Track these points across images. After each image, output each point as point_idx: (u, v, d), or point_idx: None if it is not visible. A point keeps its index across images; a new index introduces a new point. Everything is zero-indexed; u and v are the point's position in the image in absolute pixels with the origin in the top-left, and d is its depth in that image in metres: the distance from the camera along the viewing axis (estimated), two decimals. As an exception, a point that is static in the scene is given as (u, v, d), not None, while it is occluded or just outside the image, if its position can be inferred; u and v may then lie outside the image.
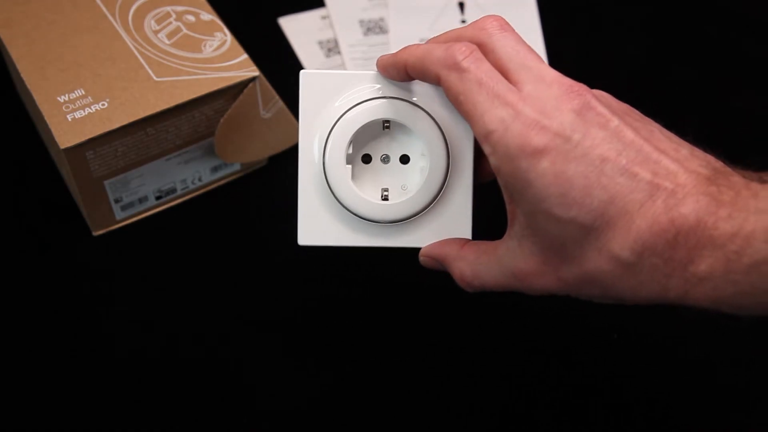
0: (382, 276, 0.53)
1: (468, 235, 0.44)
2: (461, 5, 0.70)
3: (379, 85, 0.43)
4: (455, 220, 0.44)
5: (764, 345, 0.50)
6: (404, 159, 0.45)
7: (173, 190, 0.57)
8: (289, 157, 0.59)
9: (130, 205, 0.56)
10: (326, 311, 0.52)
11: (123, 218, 0.56)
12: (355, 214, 0.43)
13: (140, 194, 0.56)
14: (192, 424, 0.48)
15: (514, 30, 0.39)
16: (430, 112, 0.42)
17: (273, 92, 0.55)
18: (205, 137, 0.55)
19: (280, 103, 0.56)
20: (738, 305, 0.33)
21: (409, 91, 0.43)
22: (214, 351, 0.50)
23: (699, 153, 0.37)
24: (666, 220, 0.33)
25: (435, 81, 0.39)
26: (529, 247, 0.38)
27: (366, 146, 0.45)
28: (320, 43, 0.68)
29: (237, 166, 0.59)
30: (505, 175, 0.36)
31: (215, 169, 0.58)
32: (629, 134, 0.36)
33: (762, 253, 0.31)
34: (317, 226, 0.44)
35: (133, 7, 0.57)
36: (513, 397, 0.48)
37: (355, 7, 0.70)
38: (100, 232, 0.56)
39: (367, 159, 0.45)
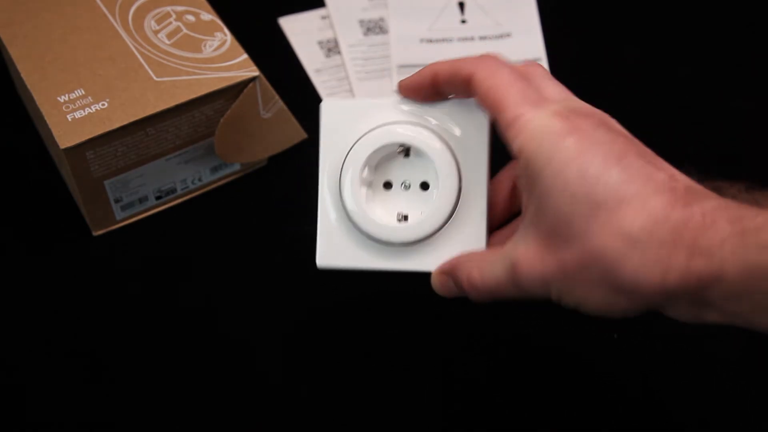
0: (384, 279, 0.53)
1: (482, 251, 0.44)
2: (461, 5, 0.70)
3: (396, 112, 0.44)
4: (470, 242, 0.44)
5: (764, 345, 0.50)
6: (424, 185, 0.45)
7: (173, 190, 0.57)
8: (290, 157, 0.59)
9: (130, 205, 0.56)
10: (326, 311, 0.52)
11: (123, 218, 0.56)
12: (368, 235, 0.44)
13: (140, 194, 0.56)
14: (191, 423, 0.48)
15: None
16: (442, 135, 0.43)
17: (273, 92, 0.55)
18: (205, 137, 0.55)
19: (280, 103, 0.56)
20: (736, 290, 0.32)
21: (424, 118, 0.44)
22: (214, 351, 0.50)
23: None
24: (683, 203, 0.34)
25: (465, 82, 0.41)
26: (534, 233, 0.38)
27: (387, 173, 0.45)
28: (320, 43, 0.68)
29: (237, 166, 0.59)
30: (527, 156, 0.37)
31: (215, 169, 0.58)
32: (649, 150, 0.38)
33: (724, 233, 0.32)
34: (335, 248, 0.45)
35: (133, 7, 0.57)
36: (513, 397, 0.48)
37: (355, 7, 0.70)
38: (100, 232, 0.56)
39: (388, 186, 0.46)
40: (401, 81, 0.44)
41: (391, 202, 0.45)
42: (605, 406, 0.48)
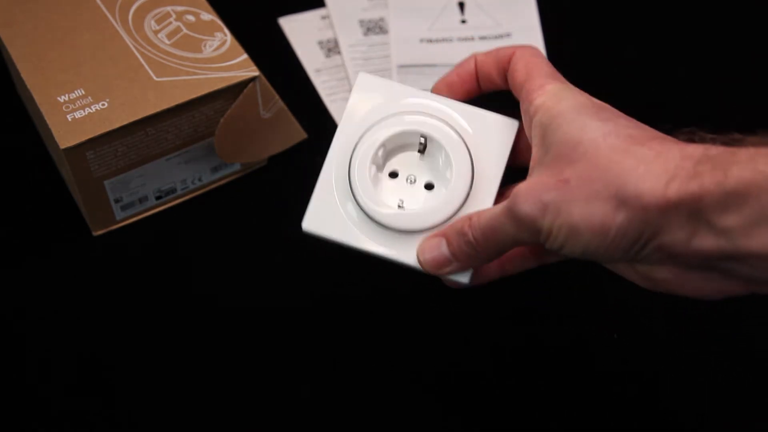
0: (383, 279, 0.53)
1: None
2: (461, 5, 0.70)
3: (428, 103, 0.44)
4: None
5: (764, 345, 0.51)
6: (429, 186, 0.45)
7: (173, 190, 0.57)
8: (290, 157, 0.59)
9: (130, 205, 0.56)
10: (326, 311, 0.52)
11: (123, 218, 0.56)
12: (366, 212, 0.43)
13: (140, 194, 0.56)
14: (192, 423, 0.48)
15: None
16: (467, 141, 0.44)
17: (273, 92, 0.55)
18: (205, 137, 0.55)
19: (280, 103, 0.56)
20: (731, 198, 0.33)
21: (455, 118, 0.44)
22: (214, 351, 0.50)
23: None
24: (703, 147, 0.35)
25: (507, 59, 0.44)
26: (539, 169, 0.39)
27: (396, 163, 0.45)
28: (320, 43, 0.68)
29: (237, 166, 0.59)
30: (547, 106, 0.40)
31: (215, 169, 0.58)
32: None
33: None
34: (326, 216, 0.44)
35: (133, 7, 0.57)
36: (513, 397, 0.48)
37: (355, 7, 0.70)
38: (100, 232, 0.56)
39: (393, 175, 0.45)
40: (439, 81, 0.46)
41: (392, 191, 0.45)
42: (605, 406, 0.48)
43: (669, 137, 0.37)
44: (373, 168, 0.44)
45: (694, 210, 0.34)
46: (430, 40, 0.68)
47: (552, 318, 0.51)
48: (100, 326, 0.52)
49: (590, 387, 0.49)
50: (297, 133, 0.59)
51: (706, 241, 0.34)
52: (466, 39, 0.68)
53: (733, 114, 0.63)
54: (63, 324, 0.52)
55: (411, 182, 0.45)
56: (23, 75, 0.53)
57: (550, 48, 0.67)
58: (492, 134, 0.44)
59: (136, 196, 0.55)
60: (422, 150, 0.45)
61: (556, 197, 0.37)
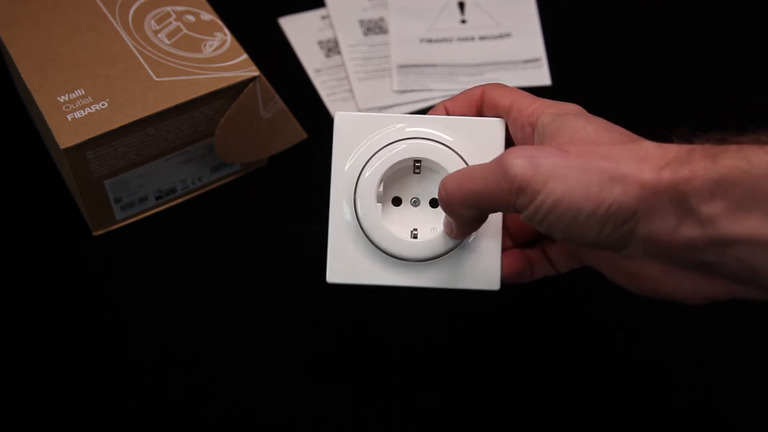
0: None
1: (497, 271, 0.43)
2: (461, 5, 0.70)
3: (411, 127, 0.44)
4: (485, 259, 0.43)
5: (763, 345, 0.51)
6: (434, 203, 0.45)
7: (173, 190, 0.57)
8: (290, 157, 0.59)
9: (130, 205, 0.56)
10: (327, 310, 0.52)
11: (123, 218, 0.56)
12: (384, 251, 0.43)
13: (140, 194, 0.56)
14: (190, 423, 0.48)
15: None
16: (460, 153, 0.43)
17: (273, 92, 0.55)
18: (205, 137, 0.55)
19: (280, 103, 0.56)
20: (715, 186, 0.33)
21: (437, 135, 0.44)
22: (214, 351, 0.50)
23: None
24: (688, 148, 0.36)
25: (479, 100, 0.44)
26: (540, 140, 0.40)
27: (396, 189, 0.45)
28: (320, 43, 0.68)
29: (237, 166, 0.59)
30: (550, 114, 0.40)
31: (215, 169, 0.58)
32: None
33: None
34: (346, 264, 0.44)
35: (133, 7, 0.57)
36: (512, 397, 0.48)
37: (355, 7, 0.70)
38: (100, 232, 0.56)
39: (397, 202, 0.45)
40: (441, 106, 0.45)
41: (401, 218, 0.45)
42: (605, 406, 0.48)
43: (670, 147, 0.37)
44: (379, 206, 0.43)
45: (682, 195, 0.34)
46: (430, 40, 0.68)
47: (552, 318, 0.51)
48: (100, 326, 0.52)
49: (590, 387, 0.49)
50: (297, 133, 0.59)
51: (692, 229, 0.34)
52: (466, 39, 0.68)
53: (734, 115, 0.63)
54: (63, 324, 0.52)
55: (416, 204, 0.45)
56: (23, 75, 0.53)
57: (550, 48, 0.67)
58: (481, 137, 0.44)
59: (136, 196, 0.55)
60: (418, 171, 0.45)
61: (552, 161, 0.36)
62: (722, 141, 0.36)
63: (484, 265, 0.43)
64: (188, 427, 0.48)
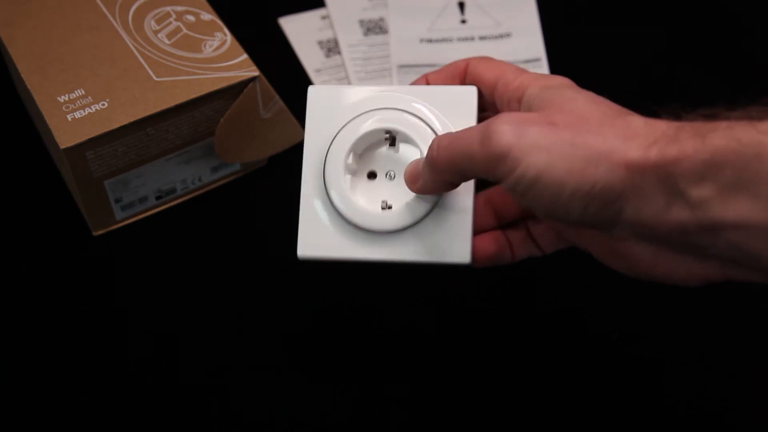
0: (384, 279, 0.53)
1: (468, 241, 0.42)
2: (461, 5, 0.70)
3: (382, 99, 0.43)
4: (457, 228, 0.42)
5: (764, 345, 0.51)
6: None
7: (173, 190, 0.57)
8: (289, 157, 0.59)
9: (130, 205, 0.56)
10: (327, 310, 0.52)
11: (123, 218, 0.56)
12: (351, 223, 0.42)
13: (140, 194, 0.56)
14: (190, 422, 0.48)
15: None
16: (431, 123, 0.42)
17: (273, 92, 0.55)
18: (205, 137, 0.55)
19: (280, 103, 0.56)
20: (704, 167, 0.32)
21: (411, 105, 0.43)
22: (214, 351, 0.50)
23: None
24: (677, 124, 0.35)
25: (462, 73, 0.44)
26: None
27: (371, 163, 0.44)
28: (320, 43, 0.68)
29: (237, 166, 0.59)
30: (539, 85, 0.39)
31: (215, 169, 0.58)
32: None
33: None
34: (317, 238, 0.43)
35: (133, 7, 0.57)
36: (512, 397, 0.48)
37: (355, 7, 0.70)
38: (100, 232, 0.56)
39: (372, 176, 0.44)
40: (430, 75, 0.44)
41: (375, 192, 0.44)
42: (604, 407, 0.48)
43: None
44: (348, 177, 0.43)
45: (670, 176, 0.33)
46: (430, 40, 0.68)
47: (551, 319, 0.51)
48: (99, 326, 0.52)
49: (589, 387, 0.49)
50: (297, 133, 0.59)
51: (682, 212, 0.33)
52: (466, 39, 0.68)
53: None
54: (63, 324, 0.52)
55: (391, 178, 0.44)
56: (23, 75, 0.53)
57: (550, 48, 0.67)
58: (454, 106, 0.43)
59: (136, 196, 0.55)
60: (392, 143, 0.44)
61: (538, 131, 0.35)
62: (712, 117, 0.35)
63: (454, 239, 0.42)
64: (189, 426, 0.48)
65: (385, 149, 0.44)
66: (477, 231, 0.42)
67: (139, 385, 0.49)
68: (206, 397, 0.49)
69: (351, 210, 0.42)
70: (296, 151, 0.59)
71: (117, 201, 0.55)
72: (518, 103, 0.40)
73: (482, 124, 0.36)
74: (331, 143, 0.43)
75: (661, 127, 0.34)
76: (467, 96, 0.43)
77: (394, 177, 0.44)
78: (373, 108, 0.43)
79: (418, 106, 0.43)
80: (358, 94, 0.44)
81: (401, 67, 0.66)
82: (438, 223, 0.42)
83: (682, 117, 0.35)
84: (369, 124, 0.43)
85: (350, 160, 0.43)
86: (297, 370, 0.50)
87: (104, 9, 0.57)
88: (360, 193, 0.43)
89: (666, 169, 0.33)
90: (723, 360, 0.50)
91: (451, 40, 0.68)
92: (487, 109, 0.43)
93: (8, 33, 0.55)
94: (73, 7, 0.57)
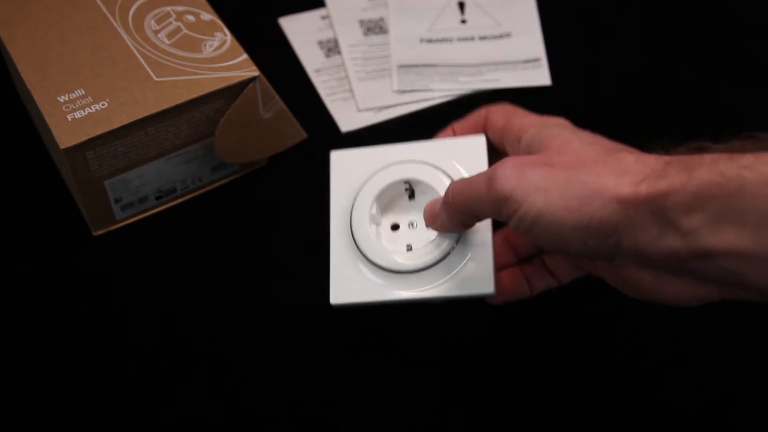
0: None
1: (491, 272, 0.44)
2: (461, 5, 0.70)
3: (401, 153, 0.47)
4: (478, 265, 0.44)
5: (763, 345, 0.51)
6: None
7: (173, 190, 0.57)
8: (290, 157, 0.59)
9: (130, 205, 0.56)
10: (326, 311, 0.52)
11: (123, 218, 0.56)
12: (379, 266, 0.45)
13: (140, 194, 0.56)
14: (190, 422, 0.48)
15: None
16: (447, 172, 0.46)
17: (273, 92, 0.55)
18: (205, 137, 0.55)
19: (280, 103, 0.56)
20: (693, 199, 0.34)
21: (426, 158, 0.47)
22: (214, 351, 0.50)
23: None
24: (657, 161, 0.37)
25: (483, 121, 0.47)
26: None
27: (393, 215, 0.48)
28: (320, 43, 0.68)
29: (237, 166, 0.59)
30: (537, 128, 0.42)
31: (215, 169, 0.58)
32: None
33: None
34: (348, 284, 0.46)
35: (133, 7, 0.57)
36: (513, 399, 0.48)
37: (355, 7, 0.70)
38: (100, 232, 0.56)
39: (395, 227, 0.47)
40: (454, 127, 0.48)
41: (398, 239, 0.47)
42: (605, 409, 0.48)
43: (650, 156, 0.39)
44: (374, 227, 0.46)
45: (661, 208, 0.35)
46: (430, 40, 0.68)
47: (551, 320, 0.51)
48: (99, 326, 0.52)
49: (589, 388, 0.49)
50: (297, 133, 0.59)
51: (675, 241, 0.35)
52: (466, 39, 0.68)
53: (734, 115, 0.63)
54: (63, 324, 0.52)
55: (413, 227, 0.47)
56: (23, 75, 0.53)
57: (550, 48, 0.67)
58: (466, 155, 0.46)
59: (136, 196, 0.55)
60: (411, 195, 0.47)
61: (537, 173, 0.38)
62: (700, 150, 0.38)
63: (477, 271, 0.44)
64: (189, 426, 0.48)
65: (405, 201, 0.48)
66: (497, 268, 0.45)
67: (139, 385, 0.49)
68: (207, 396, 0.49)
69: (378, 253, 0.45)
70: (296, 151, 0.60)
71: (117, 201, 0.55)
72: (519, 143, 0.43)
73: (489, 169, 0.39)
74: (355, 198, 0.47)
75: (650, 162, 0.37)
76: (477, 144, 0.46)
77: (417, 226, 0.47)
78: (392, 162, 0.47)
79: (434, 157, 0.47)
80: (377, 152, 0.48)
81: (401, 67, 0.66)
82: (460, 259, 0.45)
83: (671, 151, 0.38)
84: (389, 176, 0.47)
85: (374, 210, 0.46)
86: (297, 369, 0.50)
87: (104, 9, 0.57)
88: (385, 241, 0.46)
89: (657, 202, 0.35)
90: (722, 360, 0.50)
91: (451, 40, 0.68)
92: (499, 150, 0.46)
93: (8, 33, 0.55)
94: (73, 7, 0.57)
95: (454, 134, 0.48)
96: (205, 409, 0.48)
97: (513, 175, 0.38)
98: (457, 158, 0.47)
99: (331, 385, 0.49)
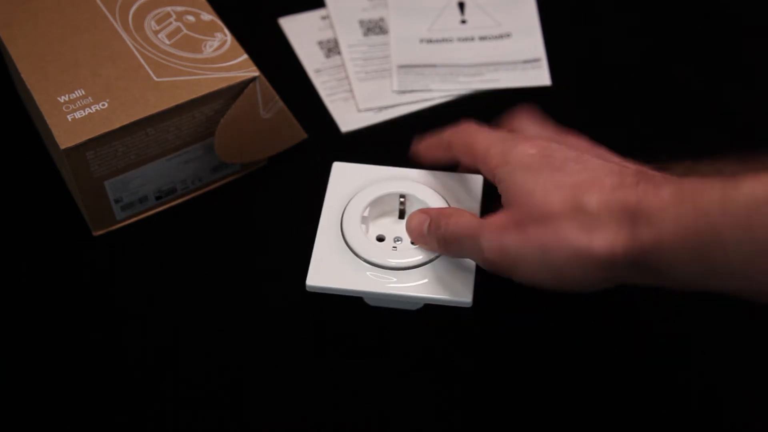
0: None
1: (470, 285, 0.46)
2: (461, 5, 0.70)
3: (402, 173, 0.50)
4: (460, 273, 0.46)
5: (764, 345, 0.51)
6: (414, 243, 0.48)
7: (173, 190, 0.57)
8: (289, 157, 0.59)
9: (130, 205, 0.56)
10: (326, 311, 0.52)
11: (123, 218, 0.56)
12: (363, 258, 0.47)
13: (140, 194, 0.56)
14: (191, 423, 0.48)
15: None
16: (440, 192, 0.49)
17: (273, 92, 0.55)
18: (205, 137, 0.55)
19: (280, 103, 0.56)
20: (675, 256, 0.36)
21: (426, 180, 0.50)
22: (214, 351, 0.50)
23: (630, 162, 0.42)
24: (631, 182, 0.38)
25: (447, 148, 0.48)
26: (505, 209, 0.42)
27: (381, 228, 0.50)
28: (320, 43, 0.68)
29: (237, 166, 0.59)
30: (506, 183, 0.43)
31: (215, 169, 0.58)
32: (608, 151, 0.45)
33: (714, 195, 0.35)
34: (327, 271, 0.47)
35: (133, 8, 0.57)
36: (513, 402, 0.49)
37: (355, 7, 0.70)
38: (100, 232, 0.56)
39: (380, 239, 0.50)
40: (420, 145, 0.50)
41: (383, 247, 0.49)
42: (605, 409, 0.48)
43: (613, 180, 0.39)
44: (363, 226, 0.48)
45: (644, 266, 0.37)
46: (430, 40, 0.68)
47: (550, 323, 0.51)
48: (99, 326, 0.52)
49: (588, 391, 0.49)
50: (297, 133, 0.59)
51: (671, 283, 0.37)
52: (466, 39, 0.68)
53: (733, 115, 0.63)
54: (63, 324, 0.52)
55: (397, 241, 0.49)
56: (23, 75, 0.53)
57: (550, 48, 0.67)
58: (461, 188, 0.49)
59: (136, 196, 0.55)
60: (401, 215, 0.50)
61: (515, 243, 0.40)
62: (664, 168, 0.40)
63: (458, 281, 0.46)
64: (189, 426, 0.48)
65: (394, 219, 0.50)
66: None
67: (138, 385, 0.49)
68: (206, 397, 0.49)
69: (364, 246, 0.47)
70: (296, 151, 0.60)
71: (117, 201, 0.55)
72: (493, 176, 0.44)
73: (475, 229, 0.42)
74: (349, 201, 0.49)
75: (616, 204, 0.38)
76: (475, 183, 0.49)
77: (402, 242, 0.49)
78: (392, 177, 0.50)
79: (433, 183, 0.49)
80: (378, 170, 0.51)
81: (401, 67, 0.66)
82: (443, 266, 0.46)
83: (640, 184, 0.38)
84: (387, 187, 0.49)
85: (366, 213, 0.49)
86: (296, 368, 0.50)
87: (104, 9, 0.57)
88: (371, 242, 0.48)
89: (637, 259, 0.37)
90: (723, 359, 0.50)
91: (451, 41, 0.68)
92: (470, 168, 0.47)
93: (8, 33, 0.55)
94: (73, 7, 0.57)
95: (420, 153, 0.50)
96: (205, 406, 0.48)
97: (495, 249, 0.41)
98: (453, 189, 0.49)
99: (331, 385, 0.49)
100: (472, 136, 0.46)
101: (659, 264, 0.36)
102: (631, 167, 0.40)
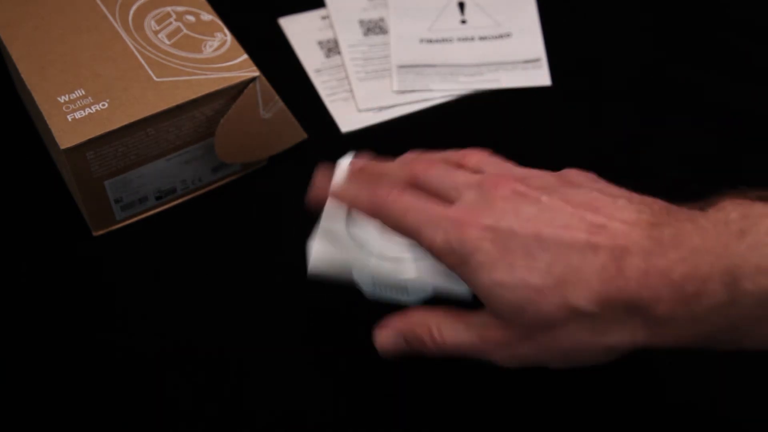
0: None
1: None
2: (461, 5, 0.70)
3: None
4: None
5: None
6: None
7: (173, 190, 0.57)
8: (289, 157, 0.59)
9: (130, 205, 0.56)
10: (326, 311, 0.52)
11: (123, 218, 0.56)
12: (365, 245, 0.45)
13: (140, 194, 0.56)
14: (191, 423, 0.48)
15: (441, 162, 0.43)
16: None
17: (273, 92, 0.55)
18: (205, 137, 0.55)
19: (280, 103, 0.56)
20: (703, 344, 0.36)
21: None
22: (214, 351, 0.50)
23: (636, 198, 0.38)
24: (615, 271, 0.35)
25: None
26: (495, 321, 0.39)
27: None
28: (320, 43, 0.68)
29: (237, 166, 0.59)
30: (478, 291, 0.39)
31: (215, 169, 0.58)
32: (559, 203, 0.38)
33: (719, 297, 0.33)
34: (328, 255, 0.46)
35: (134, 8, 0.57)
36: (510, 398, 0.49)
37: (355, 7, 0.70)
38: (100, 232, 0.56)
39: None
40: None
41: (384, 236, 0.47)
42: (605, 409, 0.48)
43: (593, 264, 0.36)
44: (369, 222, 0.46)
45: (638, 309, 0.36)
46: (430, 40, 0.68)
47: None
48: (99, 326, 0.52)
49: (590, 399, 0.49)
50: (297, 133, 0.59)
51: (663, 337, 0.36)
52: (466, 39, 0.68)
53: (733, 115, 0.63)
54: (63, 324, 0.52)
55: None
56: (23, 75, 0.53)
57: (550, 48, 0.67)
58: None
59: (136, 196, 0.56)
60: None
61: (531, 352, 0.39)
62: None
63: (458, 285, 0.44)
64: (189, 425, 0.48)
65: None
66: None
67: (139, 385, 0.49)
68: (207, 396, 0.49)
69: (366, 232, 0.46)
70: (296, 151, 0.60)
71: (117, 201, 0.55)
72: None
73: (479, 346, 0.40)
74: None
75: (619, 311, 0.36)
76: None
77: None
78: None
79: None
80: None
81: (401, 67, 0.66)
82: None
83: (625, 262, 0.36)
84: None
85: None
86: (297, 368, 0.50)
87: (104, 9, 0.57)
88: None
89: (661, 344, 0.36)
90: (722, 360, 0.50)
91: (451, 41, 0.68)
92: None
93: (8, 33, 0.55)
94: (73, 8, 0.57)
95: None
96: (206, 405, 0.48)
97: (513, 361, 0.40)
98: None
99: (331, 385, 0.49)
100: (396, 203, 0.41)
101: (641, 305, 0.36)
102: (609, 229, 0.36)
